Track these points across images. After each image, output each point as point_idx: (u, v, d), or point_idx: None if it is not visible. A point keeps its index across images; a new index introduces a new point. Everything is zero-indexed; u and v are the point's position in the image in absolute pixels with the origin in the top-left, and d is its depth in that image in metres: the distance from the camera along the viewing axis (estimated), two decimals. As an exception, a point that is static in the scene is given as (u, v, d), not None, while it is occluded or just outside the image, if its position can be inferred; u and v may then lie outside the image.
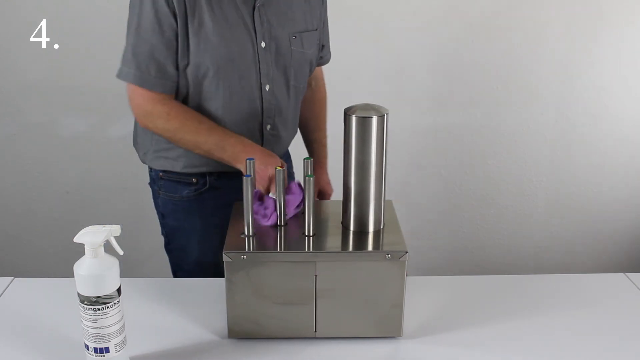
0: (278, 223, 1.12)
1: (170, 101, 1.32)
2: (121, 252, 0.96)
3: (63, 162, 2.31)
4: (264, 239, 1.09)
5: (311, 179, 1.06)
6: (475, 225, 2.51)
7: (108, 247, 0.95)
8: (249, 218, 1.07)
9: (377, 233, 1.12)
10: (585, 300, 1.25)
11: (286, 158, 1.61)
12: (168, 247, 1.53)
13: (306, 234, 1.09)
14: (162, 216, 1.51)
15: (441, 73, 2.28)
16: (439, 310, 1.20)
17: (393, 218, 1.17)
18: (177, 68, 1.30)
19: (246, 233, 1.08)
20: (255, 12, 1.33)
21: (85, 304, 0.94)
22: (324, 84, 1.67)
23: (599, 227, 2.54)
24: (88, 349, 0.97)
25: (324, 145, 1.68)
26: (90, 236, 0.93)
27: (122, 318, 0.98)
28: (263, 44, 1.35)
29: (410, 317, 1.14)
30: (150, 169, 1.51)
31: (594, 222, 2.53)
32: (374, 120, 1.05)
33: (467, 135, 2.38)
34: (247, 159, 1.11)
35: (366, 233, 1.11)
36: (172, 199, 1.46)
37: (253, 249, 1.05)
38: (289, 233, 1.11)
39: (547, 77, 2.31)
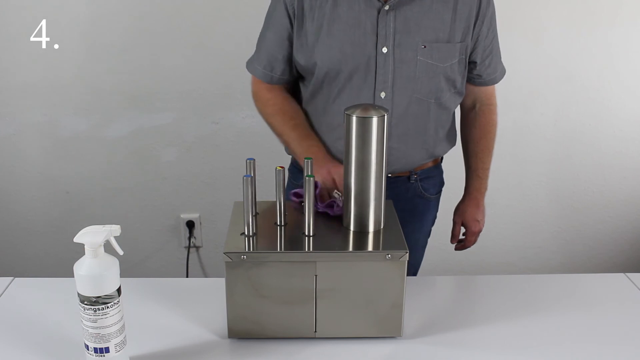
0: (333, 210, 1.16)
1: (276, 90, 1.44)
2: (121, 252, 0.96)
3: (63, 162, 2.31)
4: (264, 239, 1.09)
5: (311, 179, 1.06)
6: (475, 225, 2.51)
7: (108, 247, 0.95)
8: (249, 218, 1.07)
9: (377, 233, 1.12)
10: (585, 300, 1.25)
11: (435, 173, 1.55)
12: None
13: (306, 234, 1.09)
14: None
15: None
16: (439, 310, 1.20)
17: (393, 218, 1.17)
18: (291, 66, 1.40)
19: (246, 233, 1.08)
20: (380, 16, 1.30)
21: (85, 304, 0.94)
22: (491, 110, 1.56)
23: (599, 227, 2.54)
24: (88, 349, 0.97)
25: (478, 177, 1.60)
26: (90, 236, 0.93)
27: (122, 318, 0.98)
28: (385, 50, 1.31)
29: (410, 317, 1.14)
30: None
31: (594, 222, 2.53)
32: (374, 120, 1.05)
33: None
34: (247, 159, 1.10)
35: (366, 233, 1.11)
36: (292, 185, 1.53)
37: (253, 249, 1.05)
38: (289, 233, 1.11)
39: (547, 77, 2.31)
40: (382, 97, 1.35)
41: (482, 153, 1.59)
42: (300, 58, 1.37)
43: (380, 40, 1.31)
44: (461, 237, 1.65)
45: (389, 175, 1.44)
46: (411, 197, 1.51)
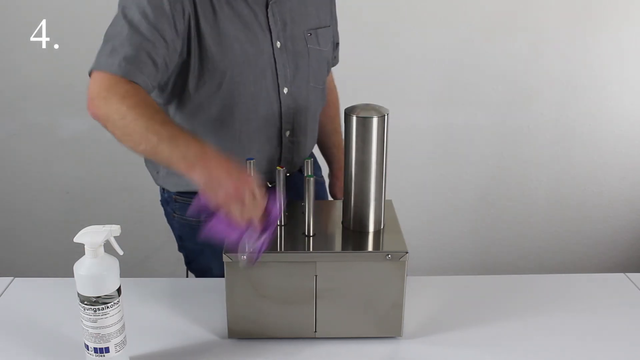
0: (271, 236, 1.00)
1: (134, 85, 1.10)
2: (121, 252, 0.96)
3: (63, 162, 2.31)
4: (264, 239, 1.08)
5: (311, 179, 1.06)
6: (475, 225, 2.51)
7: (108, 247, 0.95)
8: (249, 218, 1.07)
9: (377, 233, 1.12)
10: (585, 300, 1.25)
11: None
12: (189, 265, 1.47)
13: (306, 234, 1.09)
14: (179, 238, 1.45)
15: (441, 73, 2.28)
16: (439, 310, 1.20)
17: (393, 218, 1.17)
18: (159, 69, 1.15)
19: (246, 233, 1.08)
20: (268, 11, 1.25)
21: (85, 304, 0.94)
22: (334, 85, 1.62)
23: (599, 227, 2.54)
24: (88, 349, 0.97)
25: (342, 150, 1.60)
26: (90, 236, 0.93)
27: (122, 318, 0.98)
28: (278, 44, 1.27)
29: (410, 317, 1.14)
30: (163, 190, 1.43)
31: (594, 222, 2.53)
32: (375, 120, 1.05)
33: (467, 135, 2.37)
34: (247, 159, 1.10)
35: (366, 233, 1.11)
36: (189, 222, 1.37)
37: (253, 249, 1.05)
38: (289, 233, 1.11)
39: (547, 77, 2.31)
40: (285, 92, 1.30)
41: (339, 126, 1.60)
42: (205, 64, 1.21)
43: (274, 35, 1.27)
44: None
45: (288, 174, 1.37)
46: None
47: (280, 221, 1.13)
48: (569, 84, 2.32)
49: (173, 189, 1.38)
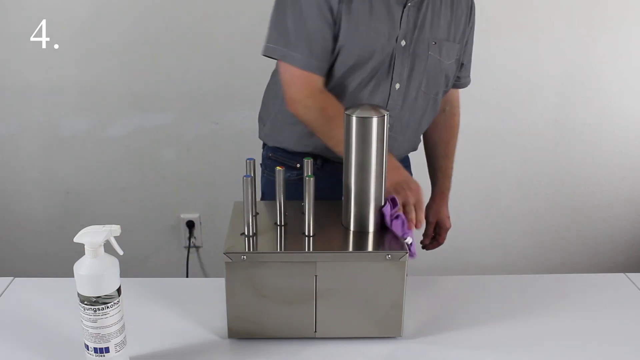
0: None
1: (326, 93, 1.32)
2: (121, 252, 0.96)
3: (63, 162, 2.31)
4: (264, 239, 1.09)
5: (311, 179, 1.06)
6: (475, 225, 2.51)
7: (108, 247, 0.95)
8: (249, 218, 1.07)
9: (377, 233, 1.11)
10: (585, 300, 1.25)
11: (406, 165, 1.61)
12: None
13: (306, 234, 1.09)
14: (262, 195, 1.57)
15: (441, 73, 2.28)
16: (439, 310, 1.20)
17: (393, 218, 1.17)
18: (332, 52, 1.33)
19: (246, 233, 1.08)
20: (405, 11, 1.35)
21: (85, 304, 0.94)
22: (459, 112, 1.66)
23: (598, 227, 2.54)
24: (88, 349, 0.97)
25: (448, 177, 1.65)
26: (90, 236, 0.93)
27: (122, 318, 0.98)
28: (403, 43, 1.36)
29: (410, 317, 1.14)
30: (264, 146, 1.57)
31: (594, 222, 2.53)
32: (374, 120, 1.05)
33: (467, 135, 2.36)
34: (247, 159, 1.10)
35: (366, 233, 1.11)
36: (273, 179, 1.45)
37: (253, 249, 1.05)
38: (289, 233, 1.11)
39: (547, 77, 2.31)
40: (397, 88, 1.39)
41: (452, 153, 1.64)
42: (336, 45, 1.33)
43: (401, 33, 1.36)
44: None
45: None
46: None
47: (280, 221, 1.13)
48: (569, 84, 2.32)
49: (271, 143, 1.52)
